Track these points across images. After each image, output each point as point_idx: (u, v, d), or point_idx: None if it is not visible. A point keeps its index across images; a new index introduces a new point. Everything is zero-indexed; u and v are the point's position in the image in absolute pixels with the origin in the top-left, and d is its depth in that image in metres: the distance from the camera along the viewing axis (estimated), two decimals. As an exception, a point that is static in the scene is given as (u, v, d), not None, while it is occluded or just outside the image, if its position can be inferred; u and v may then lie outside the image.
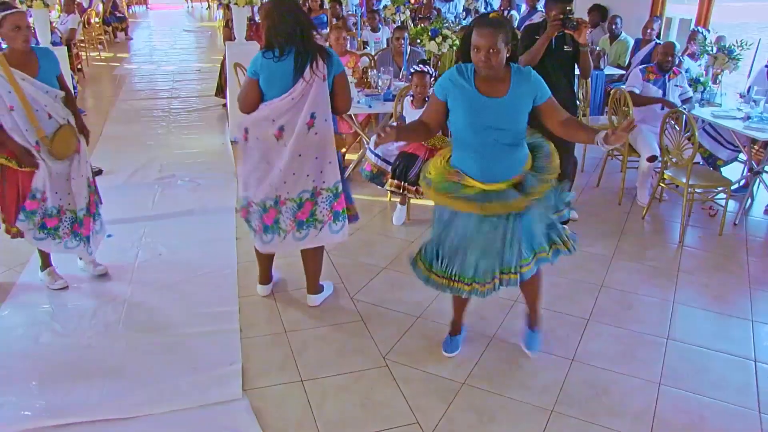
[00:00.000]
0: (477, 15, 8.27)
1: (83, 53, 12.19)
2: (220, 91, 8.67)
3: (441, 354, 3.61)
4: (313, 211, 3.75)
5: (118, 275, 4.39)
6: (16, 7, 3.67)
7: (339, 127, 6.02)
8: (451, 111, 3.11)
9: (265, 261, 4.15)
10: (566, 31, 4.34)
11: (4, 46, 3.74)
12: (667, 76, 5.69)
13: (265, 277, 4.21)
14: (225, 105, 8.15)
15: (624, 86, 5.87)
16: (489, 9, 11.37)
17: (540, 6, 10.29)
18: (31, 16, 10.29)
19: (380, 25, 8.79)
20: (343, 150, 6.46)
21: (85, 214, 4.01)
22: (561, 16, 4.29)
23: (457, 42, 7.04)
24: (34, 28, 5.89)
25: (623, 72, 7.55)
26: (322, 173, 3.70)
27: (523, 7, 11.19)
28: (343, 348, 3.68)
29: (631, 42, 7.90)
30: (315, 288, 4.12)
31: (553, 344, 3.73)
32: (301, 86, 3.52)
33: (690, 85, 5.88)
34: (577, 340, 3.77)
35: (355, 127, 6.02)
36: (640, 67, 5.87)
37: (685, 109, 5.35)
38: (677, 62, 5.79)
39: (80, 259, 4.37)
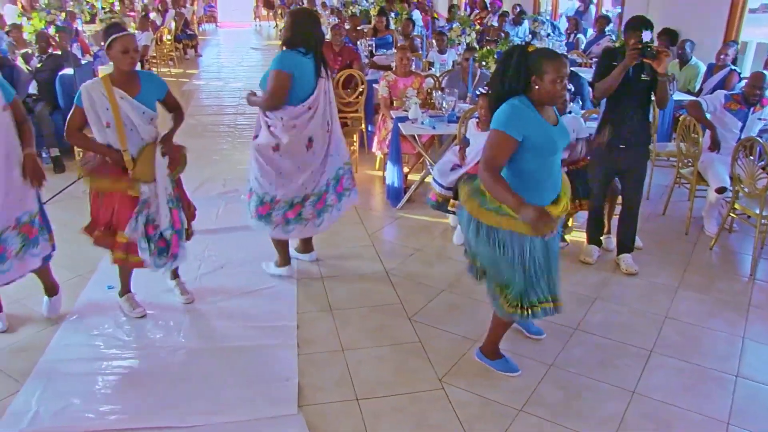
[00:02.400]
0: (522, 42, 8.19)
1: (155, 69, 12.58)
2: (285, 108, 8.79)
3: (498, 378, 3.57)
4: (326, 200, 4.41)
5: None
6: (127, 30, 3.72)
7: (402, 148, 6.05)
8: (524, 147, 3.07)
9: (285, 246, 4.64)
10: (645, 60, 4.22)
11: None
12: (751, 109, 5.41)
13: (287, 259, 4.66)
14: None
15: (699, 98, 5.70)
16: (556, 32, 11.29)
17: (609, 30, 10.17)
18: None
19: (446, 48, 8.81)
20: (406, 170, 6.48)
21: (171, 232, 3.93)
22: (639, 45, 4.17)
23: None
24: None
25: (694, 98, 7.37)
26: (333, 167, 4.40)
27: (590, 31, 11.08)
28: (399, 368, 3.66)
29: (703, 67, 7.70)
30: (312, 246, 4.92)
31: (613, 375, 3.64)
32: (316, 93, 4.18)
33: None
34: (639, 372, 3.67)
35: (418, 147, 6.02)
36: (726, 93, 5.64)
37: (762, 138, 5.16)
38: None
39: (171, 279, 4.37)
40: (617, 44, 8.44)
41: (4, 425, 3.13)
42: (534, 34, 10.73)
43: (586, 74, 7.29)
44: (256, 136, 4.31)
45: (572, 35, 10.95)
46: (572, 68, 7.00)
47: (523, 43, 3.24)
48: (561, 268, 4.70)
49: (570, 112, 5.14)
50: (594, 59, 8.75)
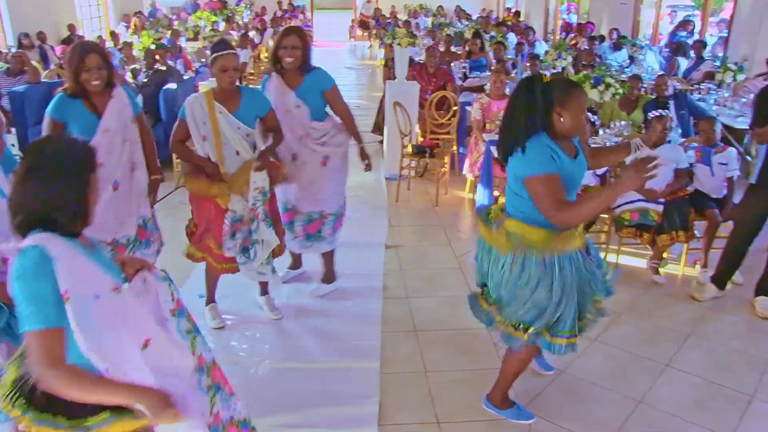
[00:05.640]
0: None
1: (251, 86, 12.96)
2: (377, 128, 8.87)
3: (584, 411, 3.47)
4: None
5: (266, 299, 4.55)
6: (230, 49, 3.82)
7: (494, 171, 6.00)
8: None
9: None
10: None
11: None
12: None
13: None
14: (381, 142, 8.34)
15: None
16: (656, 57, 10.97)
17: (706, 55, 9.80)
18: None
19: (539, 71, 8.73)
20: (497, 194, 6.41)
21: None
22: None
23: (620, 91, 6.83)
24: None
25: None
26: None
27: (692, 54, 10.70)
28: (481, 394, 3.57)
29: None
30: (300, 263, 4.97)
31: (708, 417, 3.46)
32: None
33: None
34: (738, 418, 3.47)
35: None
36: None
37: None
38: None
39: (260, 295, 4.44)
40: (722, 69, 8.10)
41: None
42: (632, 59, 10.47)
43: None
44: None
45: (673, 59, 10.58)
46: (677, 91, 6.78)
47: (537, 74, 3.10)
48: (653, 301, 4.56)
49: (669, 141, 4.98)
50: (695, 86, 8.44)
